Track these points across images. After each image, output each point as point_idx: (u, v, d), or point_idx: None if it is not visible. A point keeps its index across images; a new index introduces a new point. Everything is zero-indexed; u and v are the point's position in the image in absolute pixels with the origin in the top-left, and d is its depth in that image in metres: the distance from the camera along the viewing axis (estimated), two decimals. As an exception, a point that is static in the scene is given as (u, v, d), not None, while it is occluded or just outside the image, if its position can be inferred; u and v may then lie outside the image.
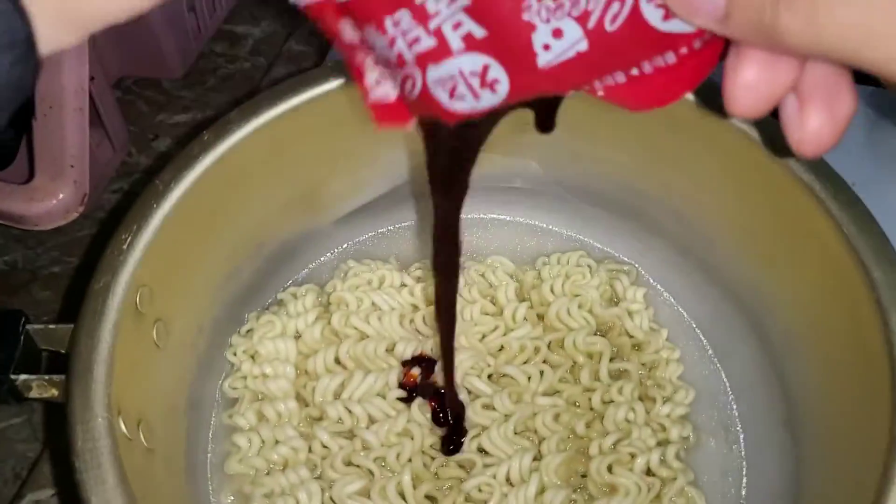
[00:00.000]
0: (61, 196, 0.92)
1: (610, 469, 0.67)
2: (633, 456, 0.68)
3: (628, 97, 0.37)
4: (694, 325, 0.79)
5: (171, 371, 0.67)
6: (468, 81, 0.35)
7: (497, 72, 0.35)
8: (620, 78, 0.36)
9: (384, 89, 0.38)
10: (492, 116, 0.38)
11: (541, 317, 0.77)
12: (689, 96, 0.65)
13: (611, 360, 0.73)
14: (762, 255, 0.70)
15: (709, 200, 0.72)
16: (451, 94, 0.36)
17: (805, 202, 0.62)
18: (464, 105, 0.36)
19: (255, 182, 0.70)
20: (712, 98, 0.64)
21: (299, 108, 0.68)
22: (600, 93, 0.36)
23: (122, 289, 0.59)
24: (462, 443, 0.69)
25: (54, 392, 0.59)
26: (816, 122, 0.34)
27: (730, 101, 0.34)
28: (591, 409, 0.71)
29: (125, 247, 0.61)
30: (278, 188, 0.73)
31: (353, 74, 0.39)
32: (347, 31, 0.37)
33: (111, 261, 0.60)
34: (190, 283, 0.68)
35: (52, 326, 0.61)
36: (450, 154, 0.48)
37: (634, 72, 0.36)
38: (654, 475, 0.68)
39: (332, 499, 0.66)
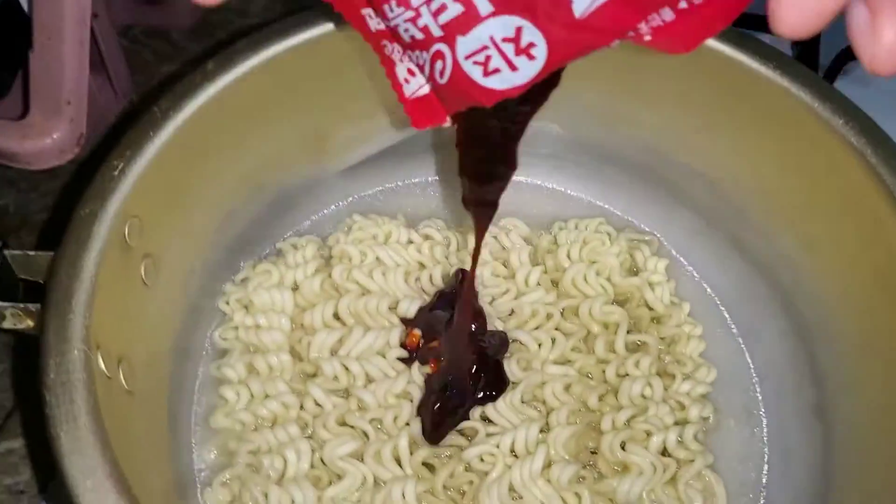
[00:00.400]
0: (56, 135, 0.87)
1: (623, 446, 0.62)
2: (648, 434, 0.63)
3: (677, 36, 0.32)
4: (718, 302, 0.74)
5: (159, 313, 0.62)
6: (502, 50, 0.32)
7: (532, 34, 0.31)
8: (668, 15, 0.31)
9: (417, 82, 0.37)
10: (532, 96, 0.34)
11: (555, 283, 0.72)
12: (728, 47, 0.60)
13: (628, 331, 0.68)
14: (801, 229, 0.65)
15: (743, 166, 0.67)
16: (485, 69, 0.33)
17: (855, 171, 0.57)
18: (500, 81, 0.33)
19: (258, 119, 0.65)
20: (753, 46, 0.60)
21: (309, 43, 0.63)
22: (647, 37, 0.31)
23: (111, 218, 0.54)
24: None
25: (29, 323, 0.54)
26: (892, 35, 0.29)
27: (774, 17, 0.29)
28: (605, 381, 0.66)
29: (116, 173, 0.56)
30: (282, 128, 0.68)
31: (385, 71, 0.38)
32: (372, 20, 0.36)
33: (100, 187, 0.55)
34: (183, 221, 0.63)
35: (31, 253, 0.56)
36: (487, 146, 0.45)
37: (683, 4, 0.31)
38: (670, 456, 0.63)
39: (322, 460, 0.62)
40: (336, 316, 0.68)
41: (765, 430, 0.67)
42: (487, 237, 0.72)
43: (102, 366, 0.51)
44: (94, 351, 0.50)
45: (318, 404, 0.64)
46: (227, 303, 0.69)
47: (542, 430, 0.63)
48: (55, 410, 0.47)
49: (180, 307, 0.65)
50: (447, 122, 0.41)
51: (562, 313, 0.69)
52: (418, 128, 0.44)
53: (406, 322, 0.68)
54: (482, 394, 0.64)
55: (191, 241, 0.65)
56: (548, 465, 0.62)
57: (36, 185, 0.92)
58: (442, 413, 0.63)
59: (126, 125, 0.59)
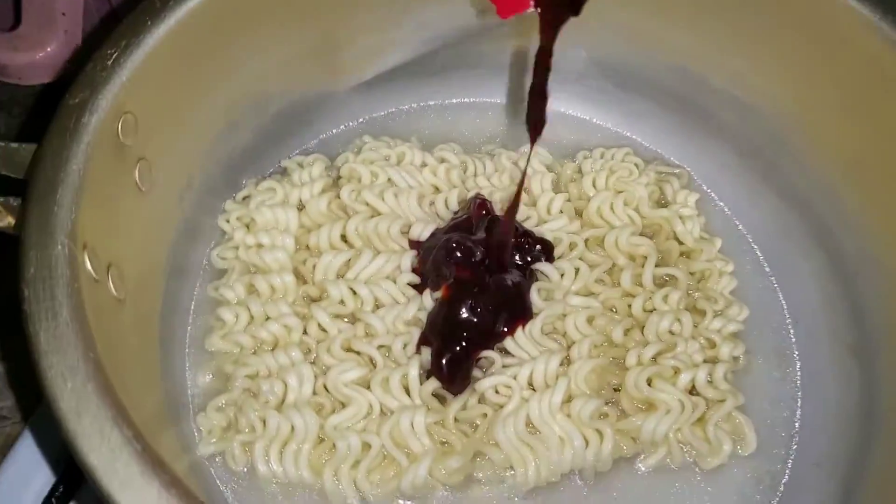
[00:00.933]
0: (49, 48, 0.82)
1: (649, 383, 0.58)
2: (676, 371, 0.59)
3: None
4: (750, 238, 0.69)
5: (154, 223, 0.57)
6: None
7: None
8: None
9: None
10: None
11: (579, 212, 0.67)
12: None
13: (656, 265, 0.64)
14: (846, 158, 0.60)
15: (785, 90, 0.62)
16: None
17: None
18: None
19: (266, 22, 0.60)
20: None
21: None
22: None
23: (103, 110, 0.50)
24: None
25: (10, 220, 0.49)
26: None
27: None
28: (631, 315, 0.62)
29: (110, 62, 0.51)
30: (292, 34, 0.63)
31: None
32: None
33: (92, 76, 0.51)
34: (182, 124, 0.58)
35: (13, 145, 0.51)
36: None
37: None
38: (698, 395, 0.59)
39: (325, 386, 0.57)
40: (343, 238, 0.64)
41: (798, 372, 0.63)
42: (507, 163, 0.68)
43: (90, 267, 0.46)
44: (81, 250, 0.46)
45: (322, 329, 0.60)
46: (228, 221, 0.65)
47: (562, 364, 0.59)
48: (34, 307, 0.42)
49: (177, 221, 0.61)
50: (531, 7, 0.46)
51: (586, 243, 0.65)
52: (503, 16, 0.49)
53: (419, 246, 0.63)
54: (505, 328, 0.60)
55: (189, 148, 0.60)
56: (568, 399, 0.57)
57: (28, 106, 0.87)
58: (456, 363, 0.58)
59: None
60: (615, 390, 0.59)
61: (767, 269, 0.68)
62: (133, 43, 0.52)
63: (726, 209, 0.70)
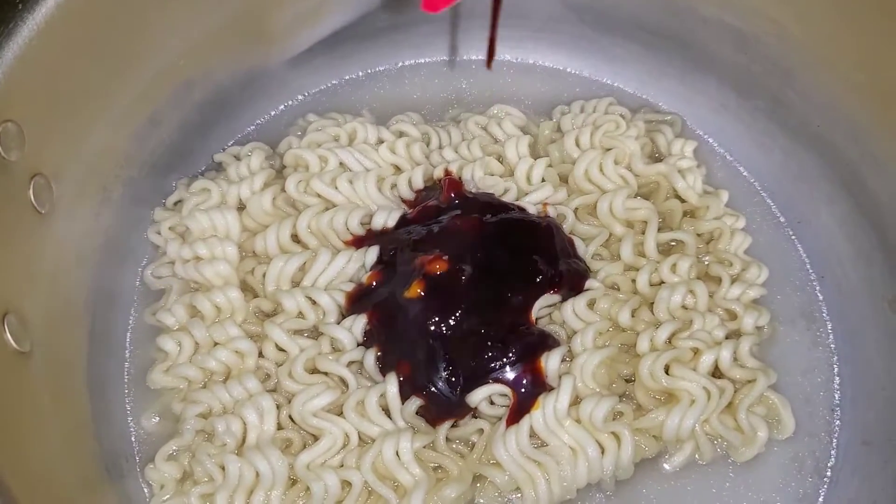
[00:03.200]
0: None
1: (667, 370, 0.50)
2: (696, 352, 0.51)
3: None
4: (758, 187, 0.61)
5: (64, 249, 0.48)
6: None
7: None
8: None
9: None
10: None
11: (564, 178, 0.58)
12: None
13: (658, 230, 0.55)
14: (869, 82, 0.52)
15: (786, 12, 0.54)
16: None
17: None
18: None
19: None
20: None
21: None
22: None
23: (-31, 122, 0.40)
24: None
25: None
26: None
27: None
28: (636, 292, 0.53)
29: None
30: (208, 4, 0.53)
31: None
32: None
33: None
34: (86, 127, 0.49)
35: None
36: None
37: None
38: (723, 377, 0.51)
39: (291, 418, 0.49)
40: (295, 238, 0.55)
41: (830, 334, 0.55)
42: (476, 129, 0.59)
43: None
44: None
45: (280, 349, 0.51)
46: (159, 232, 0.56)
47: (564, 359, 0.50)
48: None
49: (94, 240, 0.52)
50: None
51: (575, 213, 0.56)
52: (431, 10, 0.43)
53: (383, 237, 0.54)
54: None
55: (100, 156, 0.51)
56: (575, 401, 0.49)
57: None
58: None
59: None
60: (627, 381, 0.51)
61: (782, 220, 0.60)
62: (7, 32, 0.43)
63: (728, 156, 0.62)
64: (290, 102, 0.64)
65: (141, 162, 0.55)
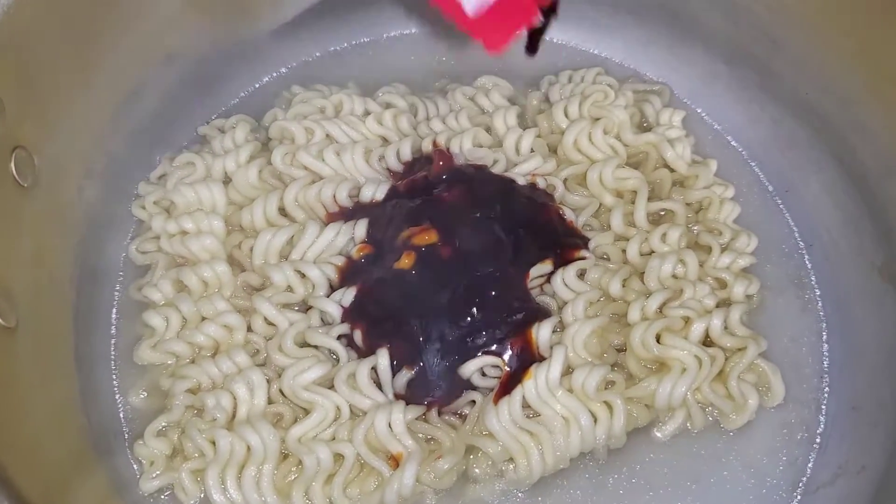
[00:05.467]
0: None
1: (658, 339, 0.50)
2: (687, 321, 0.51)
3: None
4: (746, 156, 0.61)
5: (48, 223, 0.47)
6: None
7: None
8: None
9: None
10: None
11: (553, 148, 0.58)
12: None
13: (648, 199, 0.55)
14: (857, 50, 0.51)
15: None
16: None
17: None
18: None
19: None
20: None
21: None
22: None
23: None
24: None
25: None
26: None
27: None
28: (627, 262, 0.53)
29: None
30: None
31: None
32: None
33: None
34: (67, 100, 0.48)
35: None
36: None
37: None
38: (714, 345, 0.51)
39: (281, 391, 0.48)
40: (282, 211, 0.54)
41: (820, 302, 0.56)
42: (463, 100, 0.58)
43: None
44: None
45: (269, 323, 0.51)
46: (143, 207, 0.55)
47: (555, 330, 0.50)
48: None
49: (80, 216, 0.51)
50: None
51: (565, 183, 0.56)
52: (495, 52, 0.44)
53: (373, 210, 0.54)
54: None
55: (81, 128, 0.50)
56: (567, 371, 0.49)
57: None
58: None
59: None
60: (619, 351, 0.51)
61: (771, 189, 0.60)
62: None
63: (716, 125, 0.62)
64: (274, 74, 0.63)
65: (124, 135, 0.54)
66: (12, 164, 0.44)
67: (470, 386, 0.49)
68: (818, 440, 0.51)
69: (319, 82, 0.61)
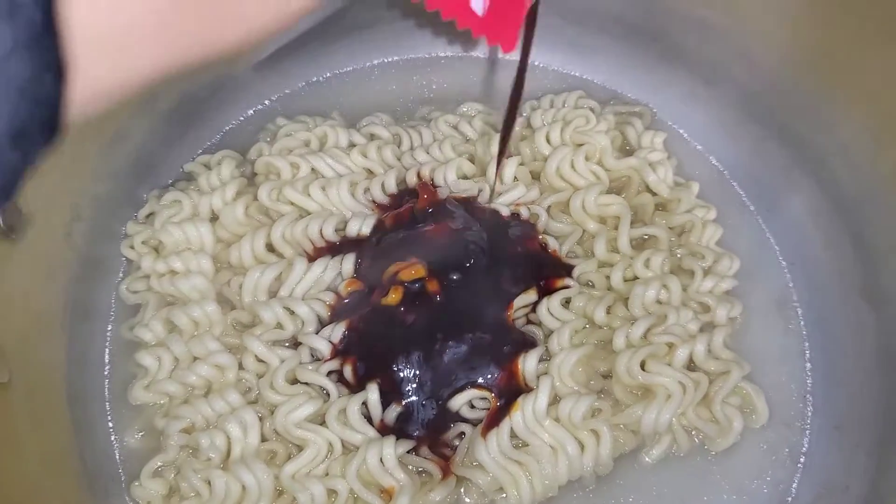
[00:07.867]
0: None
1: (643, 366, 0.51)
2: (671, 346, 0.51)
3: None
4: (727, 175, 0.62)
5: (35, 270, 0.48)
6: None
7: None
8: None
9: None
10: None
11: (535, 175, 0.59)
12: None
13: (631, 224, 0.56)
14: (833, 71, 0.52)
15: (756, 4, 0.54)
16: None
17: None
18: None
19: None
20: None
21: None
22: None
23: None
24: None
25: None
26: None
27: None
28: (611, 289, 0.54)
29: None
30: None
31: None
32: None
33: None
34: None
35: None
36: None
37: None
38: (698, 370, 0.52)
39: (274, 429, 0.49)
40: (270, 248, 0.55)
41: (801, 321, 0.57)
42: (447, 129, 0.59)
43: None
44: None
45: (260, 360, 0.51)
46: (132, 247, 0.55)
47: (541, 359, 0.51)
48: None
49: (67, 259, 0.51)
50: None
51: (548, 211, 0.56)
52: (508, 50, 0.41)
53: (359, 245, 0.54)
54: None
55: (67, 173, 0.50)
56: (555, 400, 0.50)
57: None
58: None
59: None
60: (604, 377, 0.52)
61: (752, 209, 0.60)
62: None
63: (698, 146, 0.63)
64: (257, 106, 0.63)
65: (109, 176, 0.55)
66: None
67: (459, 418, 0.50)
68: (802, 460, 0.52)
69: (303, 113, 0.61)
